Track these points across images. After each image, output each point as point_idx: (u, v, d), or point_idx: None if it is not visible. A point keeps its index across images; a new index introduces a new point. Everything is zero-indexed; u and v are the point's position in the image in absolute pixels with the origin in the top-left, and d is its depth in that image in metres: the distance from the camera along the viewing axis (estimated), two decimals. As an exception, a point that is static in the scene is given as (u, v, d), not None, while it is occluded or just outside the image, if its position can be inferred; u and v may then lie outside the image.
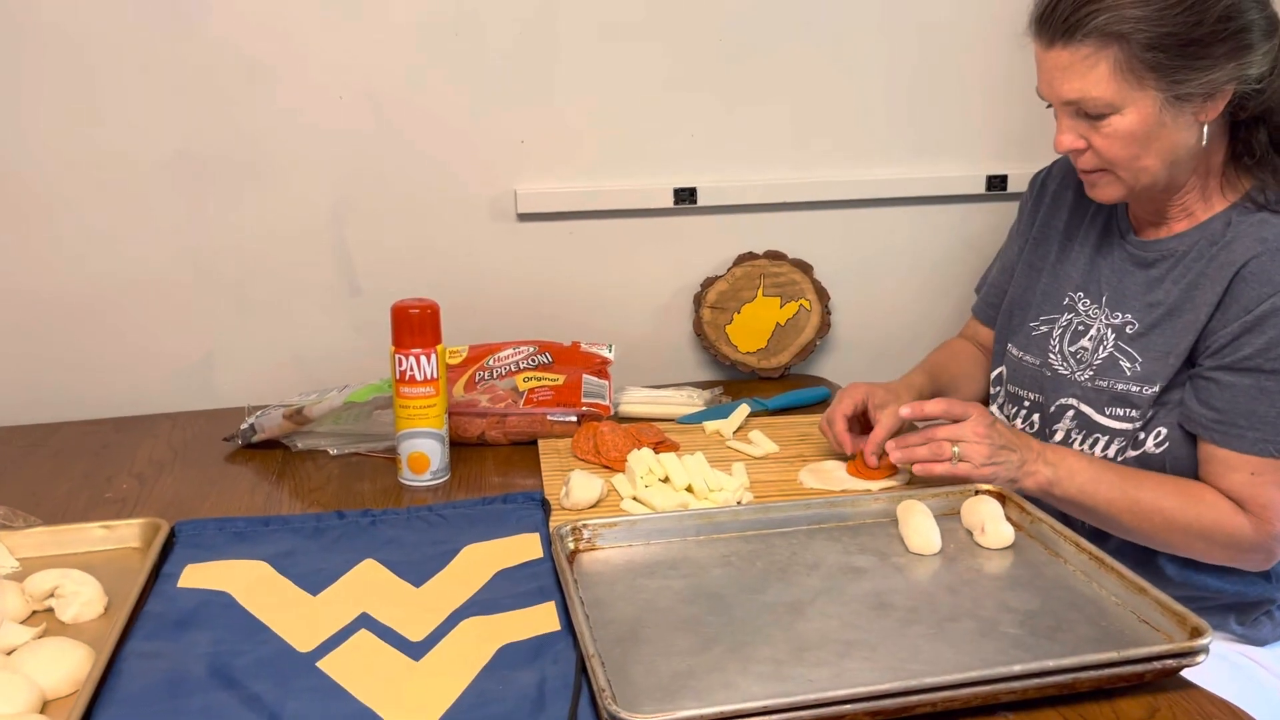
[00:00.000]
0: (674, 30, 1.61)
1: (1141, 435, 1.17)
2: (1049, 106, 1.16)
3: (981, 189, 1.75)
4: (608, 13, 1.58)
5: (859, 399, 1.28)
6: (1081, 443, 1.21)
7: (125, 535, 1.09)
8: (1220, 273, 1.12)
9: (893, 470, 1.22)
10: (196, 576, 1.02)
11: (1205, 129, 1.10)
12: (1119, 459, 1.18)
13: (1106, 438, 1.19)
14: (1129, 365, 1.18)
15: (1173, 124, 1.09)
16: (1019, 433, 1.18)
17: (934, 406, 1.17)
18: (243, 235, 1.56)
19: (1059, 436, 1.23)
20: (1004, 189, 1.75)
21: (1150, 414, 1.16)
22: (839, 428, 1.27)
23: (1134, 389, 1.17)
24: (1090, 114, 1.10)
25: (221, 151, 1.53)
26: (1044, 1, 1.10)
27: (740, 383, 1.71)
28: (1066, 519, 1.15)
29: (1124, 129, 1.09)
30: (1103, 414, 1.20)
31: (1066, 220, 1.32)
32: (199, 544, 1.08)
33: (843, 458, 1.29)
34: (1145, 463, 1.17)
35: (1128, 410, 1.18)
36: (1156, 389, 1.16)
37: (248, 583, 1.01)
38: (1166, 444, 1.16)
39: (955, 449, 1.13)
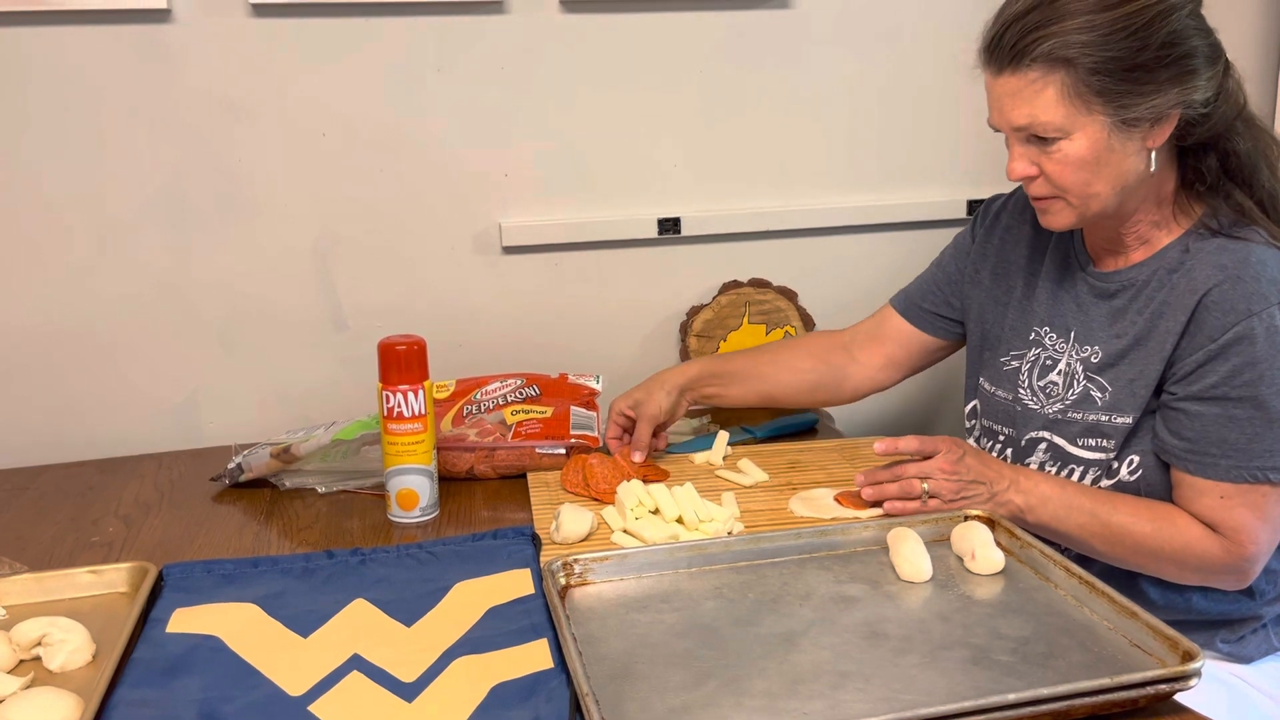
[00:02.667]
0: (655, 63, 1.62)
1: (1115, 465, 1.18)
2: (999, 132, 1.17)
3: (962, 213, 1.77)
4: (588, 47, 1.60)
5: (617, 415, 1.40)
6: (1056, 474, 1.22)
7: (112, 580, 1.08)
8: (1183, 300, 1.13)
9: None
10: (185, 621, 1.01)
11: (1154, 155, 1.11)
12: (1094, 488, 1.19)
13: (1081, 468, 1.20)
14: (1100, 395, 1.19)
15: (1121, 149, 1.09)
16: (991, 460, 1.20)
17: (907, 444, 1.20)
18: (227, 273, 1.56)
19: (1033, 469, 1.24)
20: (984, 213, 1.76)
21: (1123, 444, 1.17)
22: (612, 447, 1.39)
23: (1104, 419, 1.18)
24: (1040, 139, 1.11)
25: (205, 191, 1.53)
26: (991, 32, 1.11)
27: (728, 411, 1.70)
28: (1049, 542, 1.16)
29: (1074, 154, 1.09)
30: (1075, 445, 1.21)
31: (1027, 255, 1.32)
32: (187, 587, 1.08)
33: (831, 486, 1.30)
34: (1120, 491, 1.18)
35: (1100, 440, 1.19)
36: (1129, 420, 1.16)
37: (237, 626, 1.00)
38: (1140, 471, 1.17)
39: (925, 485, 1.17)
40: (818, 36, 1.67)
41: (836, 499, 1.26)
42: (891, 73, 1.70)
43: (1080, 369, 1.22)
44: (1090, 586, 0.98)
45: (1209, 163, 1.14)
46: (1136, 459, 1.17)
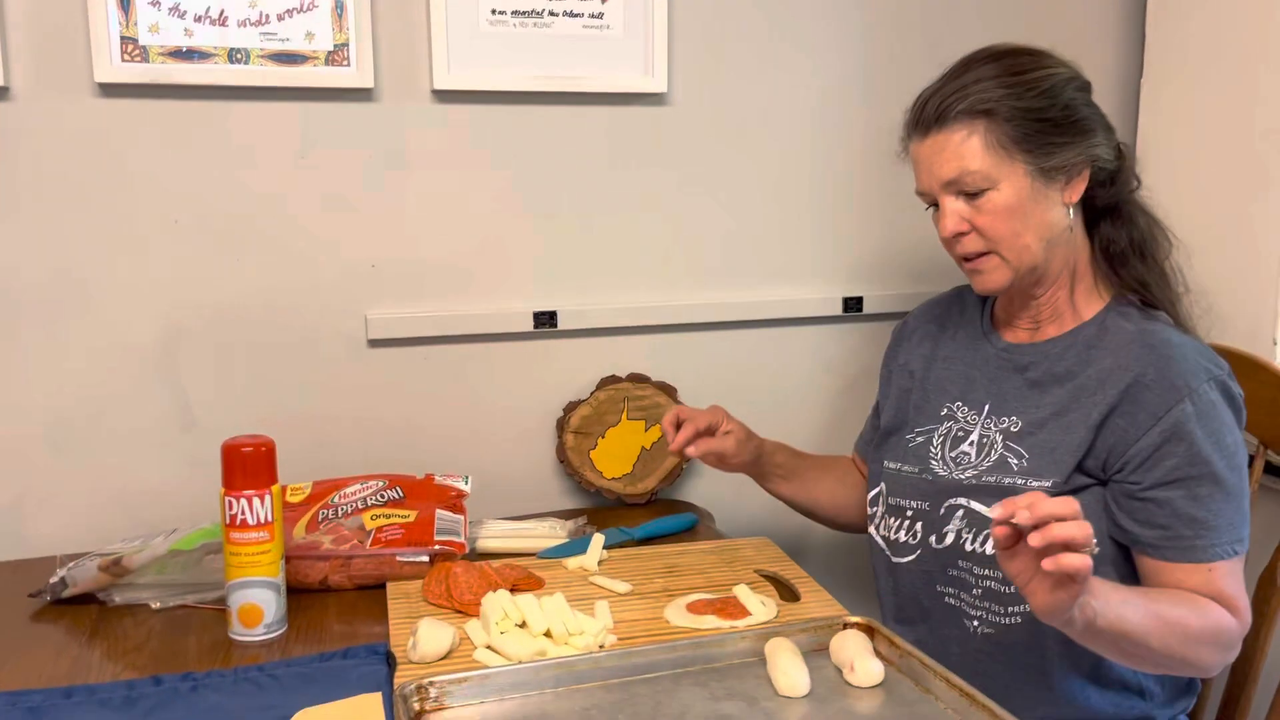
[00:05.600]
0: (531, 155, 1.60)
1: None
2: (929, 209, 1.24)
3: (838, 310, 1.77)
4: (462, 138, 1.56)
5: (715, 420, 1.34)
6: (972, 541, 1.21)
7: (-106, 719, 0.95)
8: (1111, 379, 1.16)
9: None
10: (-24, 766, 0.88)
11: (1071, 211, 1.20)
12: None
13: None
14: (1016, 462, 1.21)
15: (1044, 200, 1.18)
16: None
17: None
18: (61, 368, 1.44)
19: (950, 539, 1.23)
20: (860, 310, 1.78)
21: None
22: (683, 413, 1.34)
23: (1020, 482, 1.19)
24: (969, 192, 1.18)
25: (34, 280, 1.42)
26: (914, 108, 1.22)
27: (606, 510, 1.65)
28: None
29: (1002, 203, 1.17)
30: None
31: (930, 346, 1.38)
32: (-16, 725, 0.95)
33: (710, 590, 1.25)
34: None
35: None
36: (1048, 484, 1.17)
37: (38, 771, 0.88)
38: None
39: (1092, 547, 0.93)
40: (696, 135, 1.67)
41: (688, 608, 1.20)
42: (770, 171, 1.71)
43: (999, 438, 1.23)
44: (971, 699, 0.94)
45: (1117, 232, 1.23)
46: None
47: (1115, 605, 1.01)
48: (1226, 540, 1.12)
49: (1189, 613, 1.10)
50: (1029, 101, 1.16)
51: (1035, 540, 0.88)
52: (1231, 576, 1.13)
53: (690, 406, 1.43)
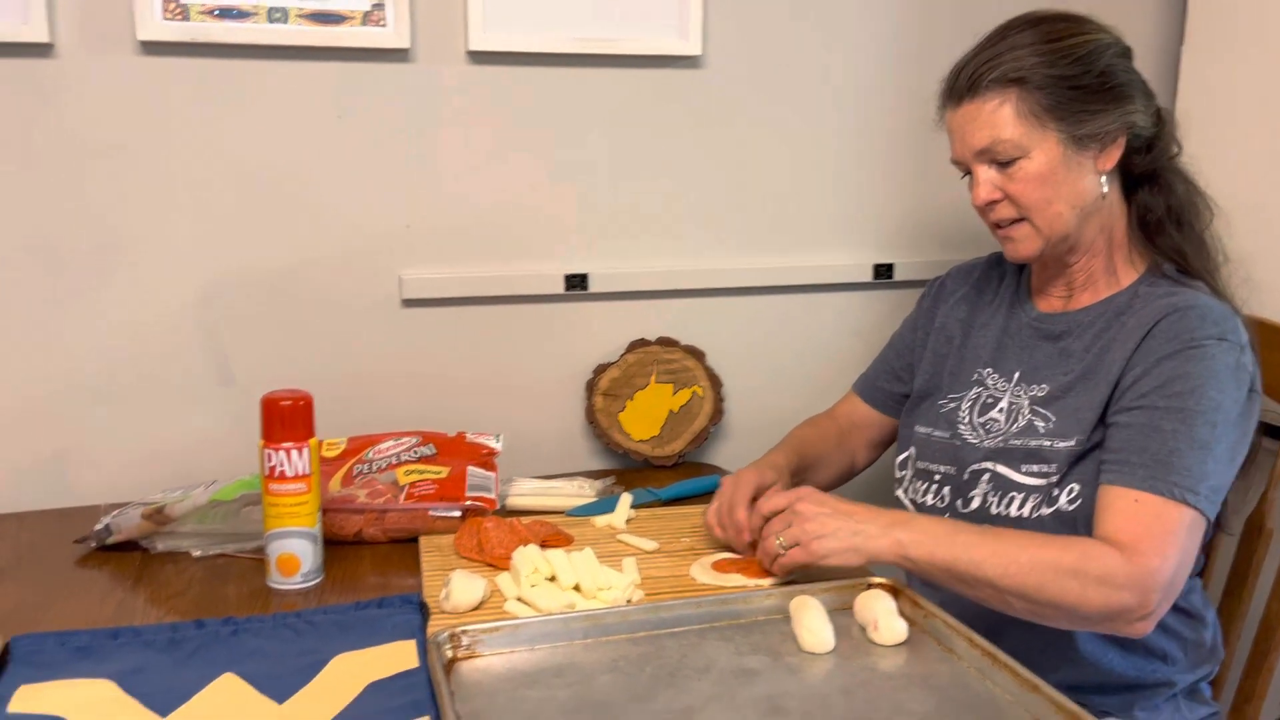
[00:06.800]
0: (564, 118, 1.61)
1: (1055, 491, 1.18)
2: (964, 176, 1.24)
3: (868, 277, 1.77)
4: (496, 100, 1.57)
5: (754, 488, 1.27)
6: (998, 504, 1.22)
7: (-49, 654, 0.99)
8: (1132, 335, 1.17)
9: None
10: (30, 699, 0.92)
11: (1104, 180, 1.20)
12: (1034, 516, 1.18)
13: (1022, 495, 1.20)
14: (1043, 425, 1.21)
15: (1077, 168, 1.18)
16: (859, 505, 1.16)
17: (755, 517, 1.21)
18: (104, 325, 1.48)
19: (975, 503, 1.24)
20: (890, 278, 1.78)
21: (1065, 470, 1.18)
22: (741, 516, 1.24)
23: (1047, 444, 1.20)
24: (1001, 160, 1.18)
25: (82, 238, 1.45)
26: (949, 76, 1.23)
27: (633, 472, 1.67)
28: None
29: (1034, 171, 1.17)
30: (1018, 471, 1.21)
31: (967, 310, 1.38)
32: (36, 662, 0.99)
33: (734, 551, 1.27)
34: (1060, 520, 1.17)
35: (1042, 466, 1.19)
36: (1072, 443, 1.18)
37: (88, 705, 0.92)
38: (1079, 501, 1.17)
39: (780, 540, 1.15)
40: (728, 98, 1.67)
41: (713, 567, 1.22)
42: (802, 136, 1.71)
43: (1026, 404, 1.24)
44: (993, 659, 0.96)
45: (1154, 200, 1.22)
46: (1077, 488, 1.17)
47: (936, 533, 1.11)
48: (1174, 481, 1.07)
49: (1041, 540, 1.09)
50: (1062, 69, 1.16)
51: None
52: (1159, 520, 1.06)
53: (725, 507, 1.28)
